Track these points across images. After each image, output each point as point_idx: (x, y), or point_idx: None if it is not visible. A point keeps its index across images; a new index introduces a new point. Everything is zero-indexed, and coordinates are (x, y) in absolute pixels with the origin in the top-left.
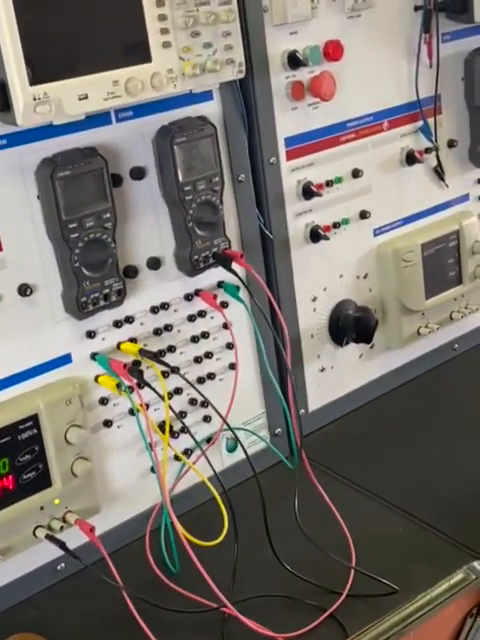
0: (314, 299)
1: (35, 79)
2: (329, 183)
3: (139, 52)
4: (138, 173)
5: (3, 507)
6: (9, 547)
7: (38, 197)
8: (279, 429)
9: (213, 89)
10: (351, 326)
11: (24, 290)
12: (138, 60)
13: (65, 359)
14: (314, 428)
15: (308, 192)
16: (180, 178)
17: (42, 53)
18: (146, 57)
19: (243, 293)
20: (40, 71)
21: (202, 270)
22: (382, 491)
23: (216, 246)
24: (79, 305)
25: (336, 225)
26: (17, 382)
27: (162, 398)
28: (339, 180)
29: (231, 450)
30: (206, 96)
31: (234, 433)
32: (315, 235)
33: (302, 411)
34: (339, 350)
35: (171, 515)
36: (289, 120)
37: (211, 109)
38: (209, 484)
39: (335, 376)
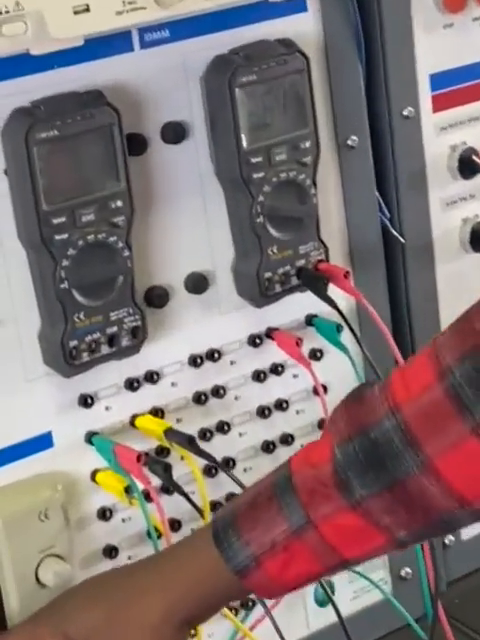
0: None
1: None
2: None
3: None
4: (174, 133)
5: None
6: None
7: (5, 172)
8: (407, 569)
9: None
10: None
11: None
12: None
13: (41, 442)
14: (469, 569)
15: (469, 166)
16: (245, 142)
17: None
18: None
19: (347, 337)
20: None
21: (279, 296)
22: None
23: (303, 257)
24: (67, 353)
25: None
26: None
27: (201, 514)
28: None
29: (323, 603)
30: (294, 6)
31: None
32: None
33: (449, 539)
34: None
35: None
36: (438, 45)
37: (303, 28)
38: None
39: None
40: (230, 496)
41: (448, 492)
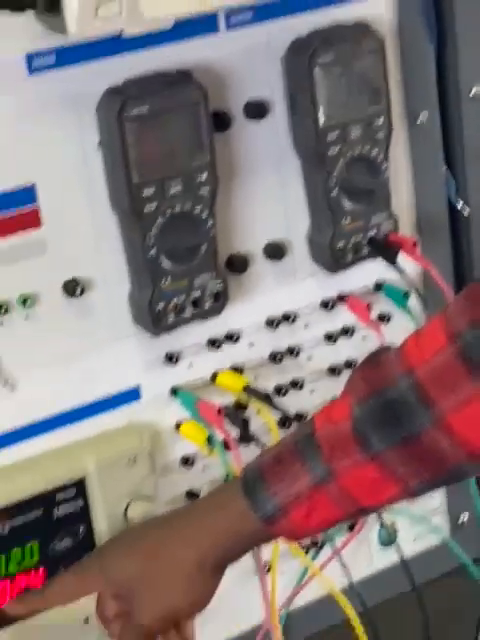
0: None
1: None
2: None
3: None
4: (256, 110)
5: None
6: None
7: (99, 146)
8: (466, 515)
9: None
10: None
11: (72, 288)
12: None
13: (131, 395)
14: None
15: None
16: (322, 119)
17: None
18: None
19: (414, 302)
20: None
21: (351, 264)
22: None
23: (375, 227)
24: (155, 314)
25: None
26: (57, 426)
27: None
28: None
29: (386, 543)
30: None
31: (383, 520)
32: None
33: None
34: None
35: None
36: None
37: (377, 11)
38: (344, 600)
39: None
40: None
41: (458, 445)
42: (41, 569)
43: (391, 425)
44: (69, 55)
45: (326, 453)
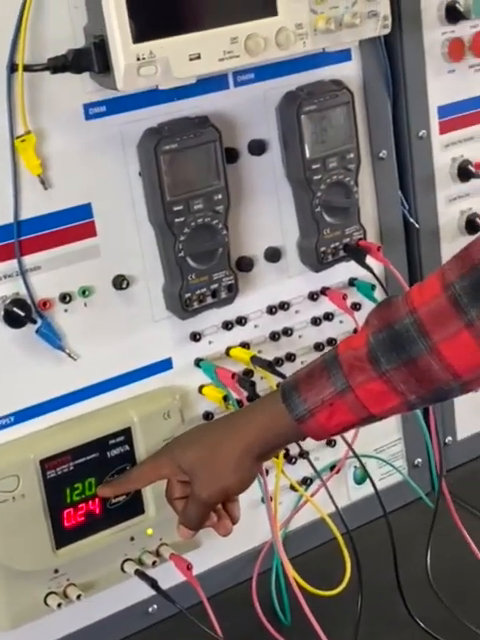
0: None
1: (139, 35)
2: None
3: (263, 3)
4: (258, 147)
5: (88, 535)
6: (93, 582)
7: (140, 174)
8: (419, 459)
9: (351, 48)
10: None
11: (120, 282)
12: (261, 13)
13: (165, 364)
14: (463, 460)
15: (465, 173)
16: (307, 154)
17: (148, 5)
18: (271, 9)
19: (379, 293)
20: (145, 26)
21: (330, 264)
22: None
23: (348, 236)
24: (183, 302)
25: None
26: (108, 389)
27: None
28: None
29: (360, 481)
30: (343, 56)
31: (361, 462)
32: (473, 226)
33: (448, 438)
34: None
35: (282, 556)
36: (444, 85)
37: (348, 72)
38: (330, 522)
39: None
40: None
41: (446, 368)
42: (97, 500)
43: (396, 351)
44: (116, 105)
45: (346, 371)
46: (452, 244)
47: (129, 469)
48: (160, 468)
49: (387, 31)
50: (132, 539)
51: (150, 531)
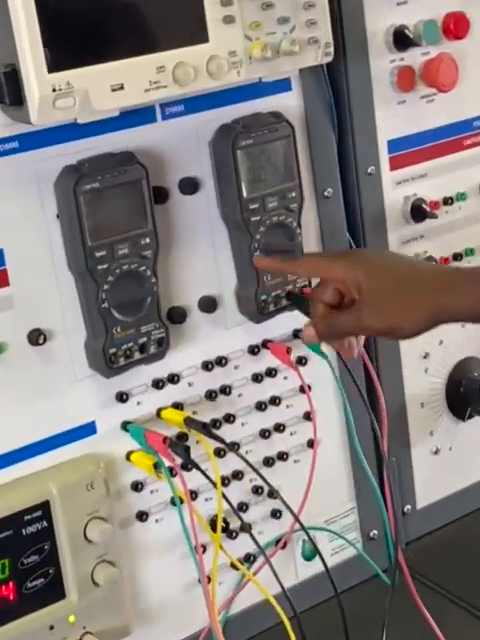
0: (426, 356)
1: (55, 64)
2: (448, 201)
3: (192, 29)
4: (189, 186)
5: (1, 624)
6: None
7: (57, 216)
8: (375, 531)
9: (291, 77)
10: (477, 393)
11: (36, 337)
12: (190, 39)
13: (87, 429)
14: (423, 531)
15: (419, 213)
16: (245, 193)
17: (64, 31)
18: (201, 35)
19: (327, 346)
20: (62, 54)
21: (272, 314)
22: None
23: (291, 283)
24: (107, 358)
25: (457, 257)
26: (23, 458)
27: (214, 485)
28: (462, 197)
29: (309, 557)
30: (282, 86)
31: (309, 535)
32: None
33: (407, 507)
34: (460, 425)
35: None
36: (394, 117)
37: (289, 103)
38: (276, 604)
39: (454, 461)
40: (237, 472)
41: None
42: (11, 583)
43: None
44: (30, 140)
45: None
46: None
47: (301, 256)
48: (334, 270)
49: (329, 59)
50: (52, 628)
51: (72, 618)
